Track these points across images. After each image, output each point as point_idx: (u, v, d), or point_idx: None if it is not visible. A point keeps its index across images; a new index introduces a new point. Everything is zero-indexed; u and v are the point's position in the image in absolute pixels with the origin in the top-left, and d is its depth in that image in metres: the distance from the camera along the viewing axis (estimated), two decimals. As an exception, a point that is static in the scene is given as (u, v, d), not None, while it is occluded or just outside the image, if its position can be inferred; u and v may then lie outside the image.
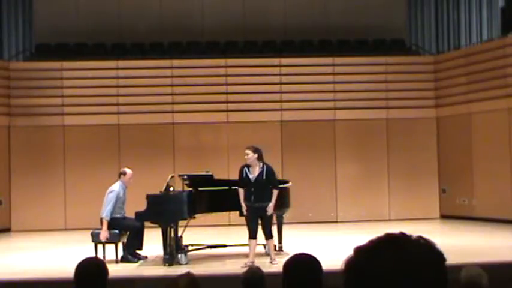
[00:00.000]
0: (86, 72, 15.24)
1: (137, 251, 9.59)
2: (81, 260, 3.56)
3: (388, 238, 1.35)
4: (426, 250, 1.33)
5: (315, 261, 2.99)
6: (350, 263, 1.35)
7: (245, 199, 8.88)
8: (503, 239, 11.59)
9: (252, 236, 8.85)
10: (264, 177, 8.85)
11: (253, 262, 8.66)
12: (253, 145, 9.09)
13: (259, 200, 8.80)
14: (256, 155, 8.86)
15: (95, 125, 14.97)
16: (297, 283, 2.93)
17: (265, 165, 8.93)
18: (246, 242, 9.01)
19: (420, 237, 1.35)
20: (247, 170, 8.91)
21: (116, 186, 9.71)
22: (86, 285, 3.44)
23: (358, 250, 1.36)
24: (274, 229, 10.06)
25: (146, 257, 9.61)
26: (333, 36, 16.78)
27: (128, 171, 9.94)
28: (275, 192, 8.87)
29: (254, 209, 8.80)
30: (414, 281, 1.28)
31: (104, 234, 9.37)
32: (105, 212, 9.48)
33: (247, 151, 8.90)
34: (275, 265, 8.34)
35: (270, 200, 8.81)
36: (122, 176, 9.89)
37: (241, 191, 8.93)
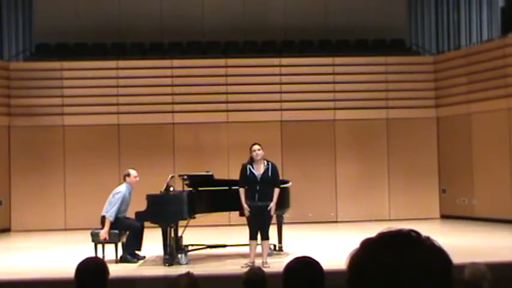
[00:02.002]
0: (86, 72, 15.24)
1: (136, 252, 9.59)
2: (81, 260, 3.56)
3: (396, 236, 1.32)
4: (433, 254, 1.31)
5: (316, 264, 2.98)
6: (354, 257, 1.33)
7: (247, 198, 8.65)
8: (503, 239, 11.59)
9: (253, 236, 8.74)
10: (270, 174, 8.66)
11: (253, 263, 8.63)
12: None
13: (263, 199, 8.60)
14: (263, 152, 8.75)
15: (95, 125, 14.97)
16: (298, 286, 2.92)
17: (270, 163, 8.77)
18: (246, 242, 8.98)
19: (428, 238, 1.33)
20: (251, 167, 8.68)
21: (123, 188, 9.71)
22: (87, 285, 3.44)
23: (364, 244, 1.33)
24: (274, 229, 10.08)
25: (144, 257, 9.61)
26: (333, 36, 16.77)
27: (132, 171, 9.94)
28: (277, 191, 8.67)
29: (257, 209, 8.61)
30: (416, 284, 1.27)
31: (104, 234, 9.37)
32: (110, 212, 9.47)
33: (258, 146, 8.70)
34: (266, 268, 8.10)
35: (272, 200, 8.66)
36: (126, 177, 9.89)
37: (242, 191, 8.68)
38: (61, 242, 12.37)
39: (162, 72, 15.39)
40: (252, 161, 8.72)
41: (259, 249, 8.91)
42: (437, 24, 17.12)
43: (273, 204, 8.64)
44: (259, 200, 8.62)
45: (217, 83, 15.37)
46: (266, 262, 8.69)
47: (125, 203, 9.65)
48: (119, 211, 9.55)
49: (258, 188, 8.61)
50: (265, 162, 8.77)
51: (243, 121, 15.03)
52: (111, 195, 9.68)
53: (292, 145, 15.27)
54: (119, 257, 9.40)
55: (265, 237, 8.74)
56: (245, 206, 8.64)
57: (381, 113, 15.57)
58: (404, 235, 1.32)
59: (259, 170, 8.68)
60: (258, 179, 8.63)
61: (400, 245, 1.30)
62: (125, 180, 9.90)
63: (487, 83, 14.41)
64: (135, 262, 9.41)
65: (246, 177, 8.68)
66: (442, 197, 15.57)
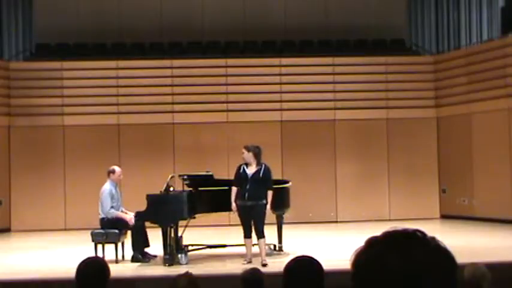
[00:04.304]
0: (86, 72, 15.23)
1: (146, 250, 9.58)
2: (83, 260, 3.55)
3: (401, 236, 1.32)
4: (438, 254, 1.30)
5: (316, 264, 2.98)
6: (359, 256, 1.33)
7: (238, 198, 8.89)
8: (503, 239, 11.59)
9: (246, 235, 8.91)
10: (261, 175, 8.91)
11: (250, 260, 8.73)
12: (251, 144, 9.19)
13: (253, 198, 8.82)
14: (251, 153, 8.96)
15: (95, 125, 14.97)
16: (298, 286, 2.93)
17: (263, 165, 9.03)
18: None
19: (433, 239, 1.32)
20: (244, 167, 8.99)
21: (107, 186, 9.75)
22: (88, 285, 3.43)
23: (370, 243, 1.33)
24: (274, 229, 10.11)
25: (156, 256, 9.54)
26: (333, 36, 16.77)
27: (117, 169, 9.99)
28: (270, 193, 8.91)
29: (247, 208, 8.82)
30: (424, 282, 1.26)
31: (130, 218, 9.39)
32: (106, 210, 9.54)
33: (243, 150, 9.05)
34: (265, 266, 8.28)
35: (263, 199, 8.83)
36: (111, 174, 9.89)
37: (234, 189, 8.96)
38: (61, 242, 12.36)
39: (162, 72, 15.39)
40: (247, 162, 9.05)
41: (255, 248, 9.01)
42: (437, 24, 17.11)
43: (268, 206, 8.89)
44: (249, 199, 8.84)
45: (217, 83, 15.36)
46: (265, 260, 8.80)
47: (115, 199, 9.66)
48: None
49: (248, 186, 8.85)
50: (259, 164, 9.01)
51: (243, 121, 15.03)
52: (100, 196, 9.72)
53: (292, 145, 15.27)
54: (130, 258, 9.40)
55: (261, 235, 8.89)
56: (233, 204, 8.93)
57: (381, 113, 15.57)
58: (409, 235, 1.32)
59: (251, 170, 8.95)
60: (249, 177, 8.89)
61: (405, 244, 1.30)
62: (108, 176, 9.88)
63: (487, 83, 14.40)
64: (146, 262, 9.40)
65: (239, 176, 8.97)
66: (442, 197, 15.56)
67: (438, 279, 1.27)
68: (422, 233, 1.33)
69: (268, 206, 8.88)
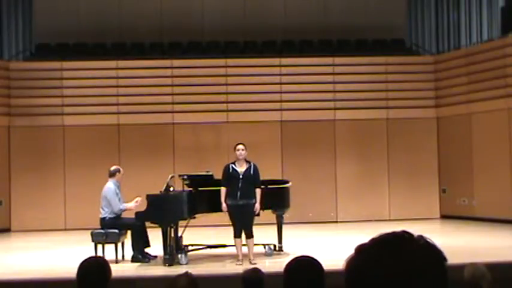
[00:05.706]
0: (86, 72, 15.23)
1: (146, 250, 9.58)
2: (84, 259, 3.54)
3: (390, 238, 1.34)
4: (428, 251, 1.32)
5: (316, 264, 2.98)
6: (351, 262, 1.35)
7: (228, 197, 8.88)
8: (503, 239, 11.59)
9: (237, 235, 8.92)
10: (252, 173, 8.92)
11: (241, 261, 8.73)
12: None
13: (245, 197, 8.84)
14: (246, 152, 9.00)
15: (95, 125, 14.97)
16: (298, 286, 2.93)
17: (252, 163, 9.04)
18: (246, 242, 9.02)
19: (421, 237, 1.35)
20: (233, 166, 8.97)
21: (110, 185, 9.74)
22: (89, 284, 3.43)
23: (360, 249, 1.35)
24: (274, 229, 10.11)
25: (156, 256, 9.55)
26: (333, 36, 16.77)
27: (120, 168, 10.00)
28: (259, 191, 8.92)
29: (239, 207, 8.83)
30: (414, 283, 1.28)
31: (136, 201, 9.49)
32: (117, 208, 9.54)
33: (242, 146, 9.01)
34: (254, 265, 8.28)
35: (253, 198, 8.85)
36: (117, 173, 9.87)
37: (223, 190, 8.94)
38: (61, 242, 12.36)
39: (162, 72, 15.39)
40: (234, 161, 9.03)
41: (256, 249, 9.05)
42: (437, 24, 17.11)
43: (258, 205, 8.90)
44: (241, 198, 8.86)
45: (217, 83, 15.36)
46: (254, 259, 8.86)
47: (117, 198, 9.66)
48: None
49: (240, 185, 8.86)
50: (248, 162, 9.02)
51: (243, 121, 15.03)
52: (104, 195, 9.67)
53: (292, 145, 15.27)
54: (130, 258, 9.40)
55: (250, 235, 8.93)
56: (223, 205, 8.90)
57: (381, 113, 15.57)
58: (397, 236, 1.34)
59: (241, 168, 8.95)
60: (241, 176, 8.89)
61: (396, 245, 1.32)
62: (114, 176, 9.85)
63: (487, 83, 14.41)
64: (147, 262, 9.40)
65: (229, 175, 8.94)
66: (442, 197, 15.56)
67: (429, 276, 1.29)
68: (409, 233, 1.35)
69: (257, 205, 8.88)
